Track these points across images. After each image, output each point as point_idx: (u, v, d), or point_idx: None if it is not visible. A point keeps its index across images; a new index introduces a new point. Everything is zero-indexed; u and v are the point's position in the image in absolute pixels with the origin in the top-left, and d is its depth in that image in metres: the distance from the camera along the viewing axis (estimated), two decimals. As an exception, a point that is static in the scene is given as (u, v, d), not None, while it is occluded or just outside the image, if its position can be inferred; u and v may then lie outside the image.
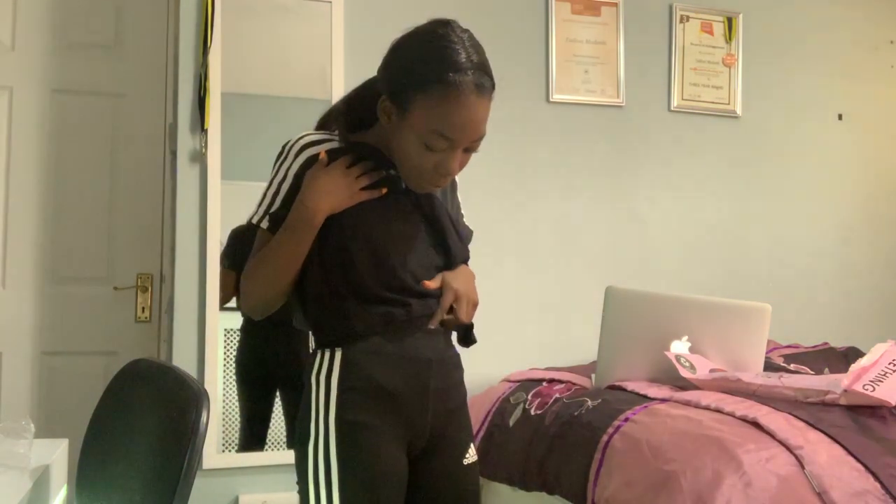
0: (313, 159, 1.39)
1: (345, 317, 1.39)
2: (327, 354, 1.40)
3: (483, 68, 1.34)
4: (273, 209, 1.41)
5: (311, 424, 1.38)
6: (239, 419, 2.62)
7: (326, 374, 1.39)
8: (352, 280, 1.39)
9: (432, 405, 1.42)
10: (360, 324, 1.38)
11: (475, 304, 1.50)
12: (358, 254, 1.38)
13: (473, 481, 1.51)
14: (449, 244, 1.48)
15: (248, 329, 2.65)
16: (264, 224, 1.42)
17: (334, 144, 1.43)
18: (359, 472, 1.35)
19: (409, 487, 1.42)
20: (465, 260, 1.53)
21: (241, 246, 2.62)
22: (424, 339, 1.43)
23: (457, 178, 1.53)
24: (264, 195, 1.43)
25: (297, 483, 1.44)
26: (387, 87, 1.37)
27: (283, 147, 1.44)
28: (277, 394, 2.70)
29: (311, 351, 1.45)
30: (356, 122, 1.45)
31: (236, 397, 2.62)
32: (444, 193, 1.51)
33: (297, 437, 1.42)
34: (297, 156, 1.41)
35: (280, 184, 1.41)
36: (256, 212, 1.44)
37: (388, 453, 1.37)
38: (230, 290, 2.62)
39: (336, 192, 1.38)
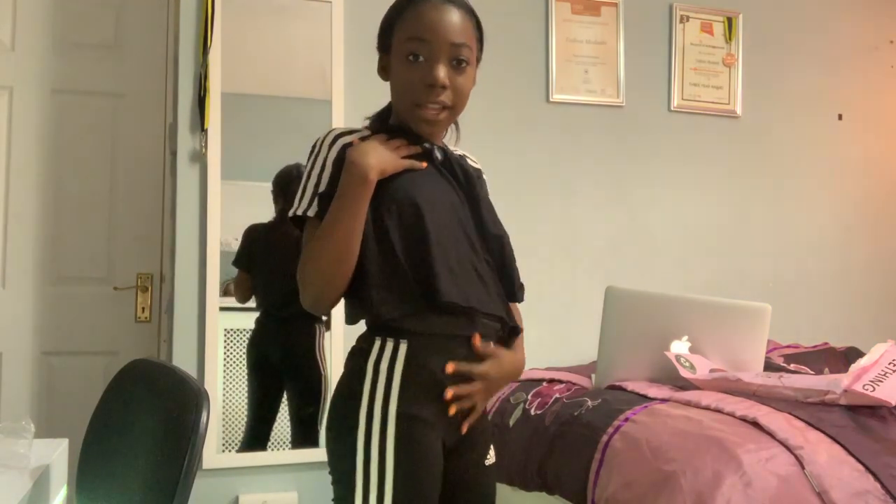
0: (348, 146, 1.40)
1: (409, 307, 1.36)
2: (389, 344, 1.36)
3: None
4: (317, 194, 1.39)
5: (362, 413, 1.33)
6: (239, 419, 2.62)
7: (389, 364, 1.35)
8: (418, 252, 1.36)
9: (468, 408, 1.43)
10: (419, 322, 1.36)
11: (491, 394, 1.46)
12: (419, 223, 1.36)
13: (492, 482, 1.52)
14: (483, 216, 1.46)
15: (261, 322, 2.67)
16: (311, 211, 1.38)
17: (365, 134, 1.45)
18: (413, 467, 1.33)
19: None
20: (502, 245, 1.50)
21: (251, 246, 2.64)
22: (470, 342, 1.41)
23: (483, 175, 1.56)
24: (303, 189, 1.41)
25: (333, 472, 1.37)
26: (377, 47, 1.47)
27: (315, 144, 1.44)
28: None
29: (363, 337, 1.41)
30: (383, 116, 1.51)
31: (237, 397, 2.62)
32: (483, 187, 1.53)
33: (337, 425, 1.37)
34: (331, 146, 1.42)
35: (319, 174, 1.40)
36: (298, 206, 1.40)
37: (436, 450, 1.37)
38: (245, 291, 2.64)
39: (382, 153, 1.38)
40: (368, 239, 1.36)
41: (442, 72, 1.38)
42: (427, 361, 1.35)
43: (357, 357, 1.39)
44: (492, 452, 1.51)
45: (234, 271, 2.65)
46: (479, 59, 1.48)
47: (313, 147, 1.44)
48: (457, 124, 1.54)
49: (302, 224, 1.42)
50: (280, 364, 2.70)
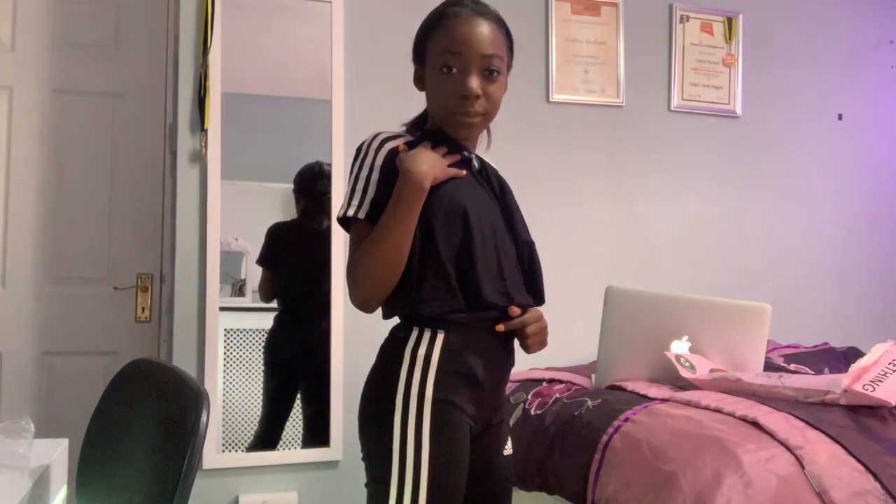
0: (395, 151, 1.47)
1: (450, 298, 1.44)
2: (427, 333, 1.44)
3: (482, 5, 1.51)
4: (369, 198, 1.46)
5: (399, 397, 1.41)
6: (239, 419, 2.62)
7: (426, 352, 1.43)
8: (462, 248, 1.45)
9: (493, 397, 1.51)
10: (458, 313, 1.45)
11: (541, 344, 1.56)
12: (461, 223, 1.45)
13: (510, 473, 1.61)
14: (516, 223, 1.56)
15: (280, 319, 2.68)
16: (362, 214, 1.45)
17: (409, 138, 1.52)
18: (448, 448, 1.41)
19: None
20: (530, 246, 1.59)
21: (274, 245, 2.66)
22: (506, 336, 1.51)
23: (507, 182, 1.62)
24: (352, 192, 1.47)
25: (369, 454, 1.44)
26: (413, 60, 1.54)
27: (360, 147, 1.50)
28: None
29: (398, 327, 1.49)
30: (419, 123, 1.59)
31: (237, 397, 2.62)
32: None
33: (371, 408, 1.45)
34: (377, 150, 1.48)
35: (367, 177, 1.47)
36: (348, 206, 1.46)
37: (467, 436, 1.45)
38: (269, 290, 2.65)
39: (434, 161, 1.45)
40: (415, 241, 1.43)
41: (475, 83, 1.45)
42: (462, 351, 1.44)
43: (393, 345, 1.46)
44: (509, 444, 1.60)
45: (235, 271, 2.65)
46: (510, 67, 1.58)
47: (359, 150, 1.50)
48: (489, 130, 1.61)
49: (348, 225, 1.49)
50: (296, 361, 2.72)
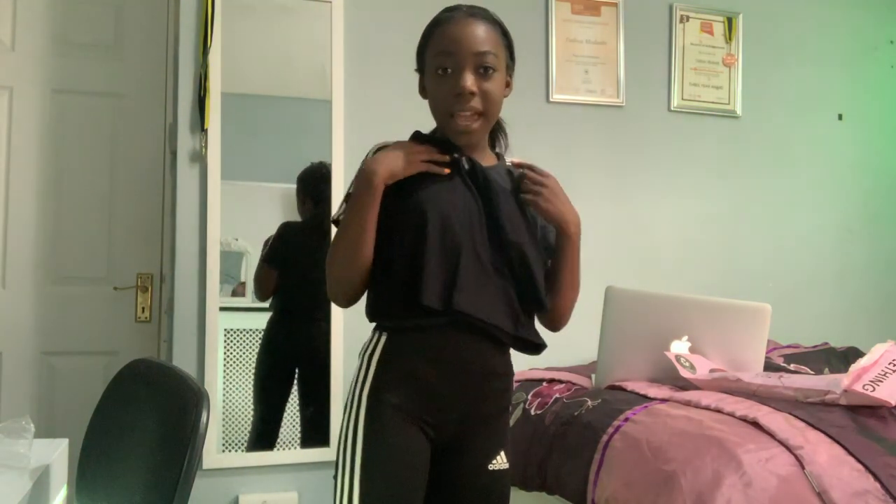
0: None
1: (395, 302, 1.45)
2: (376, 335, 1.49)
3: (477, 8, 1.51)
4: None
5: (350, 397, 1.48)
6: (239, 419, 2.62)
7: (370, 353, 1.47)
8: (414, 252, 1.43)
9: (462, 407, 1.47)
10: (399, 319, 1.45)
11: (563, 199, 1.53)
12: (424, 225, 1.44)
13: (499, 487, 1.53)
14: (502, 225, 1.49)
15: (272, 322, 2.68)
16: (341, 216, 1.50)
17: (402, 142, 1.53)
18: (380, 447, 1.42)
19: (432, 485, 1.46)
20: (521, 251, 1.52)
21: (285, 244, 2.67)
22: (469, 344, 1.46)
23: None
24: (345, 196, 1.51)
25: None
26: (416, 69, 1.56)
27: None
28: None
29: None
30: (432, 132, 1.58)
31: (237, 397, 2.62)
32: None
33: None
34: (370, 155, 1.51)
35: (353, 181, 1.49)
36: (337, 211, 1.53)
37: (410, 435, 1.43)
38: (270, 288, 2.66)
39: (394, 157, 1.45)
40: (378, 242, 1.45)
41: (468, 80, 1.45)
42: (404, 354, 1.45)
43: (361, 349, 1.52)
44: (502, 457, 1.52)
45: (235, 271, 2.65)
46: (510, 67, 1.58)
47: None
48: (505, 135, 1.66)
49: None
50: (294, 362, 2.71)
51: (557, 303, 1.56)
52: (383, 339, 1.47)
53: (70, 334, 2.74)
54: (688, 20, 3.23)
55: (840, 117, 3.47)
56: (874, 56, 3.54)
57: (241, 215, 2.63)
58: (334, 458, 1.50)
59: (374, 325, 1.52)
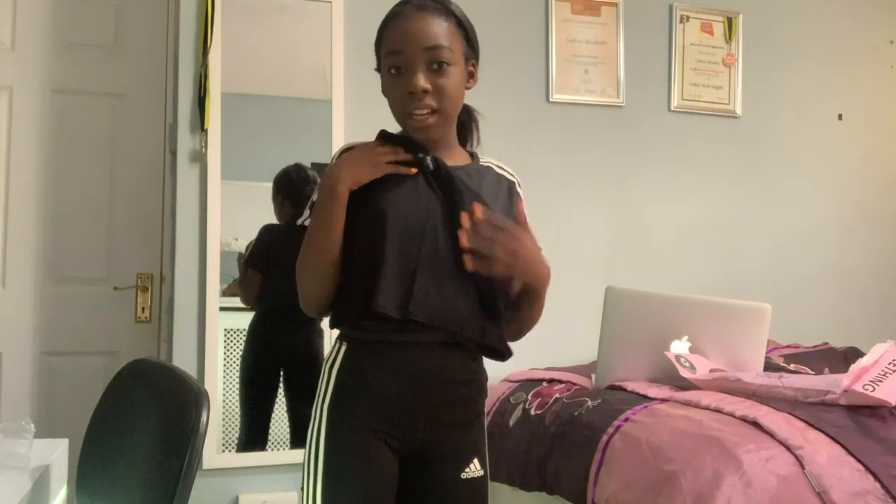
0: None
1: (354, 309, 1.40)
2: (337, 345, 1.45)
3: (429, 1, 1.43)
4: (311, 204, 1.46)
5: (314, 408, 1.44)
6: (239, 419, 2.62)
7: (331, 364, 1.44)
8: (374, 256, 1.38)
9: (426, 416, 1.41)
10: (357, 328, 1.42)
11: (525, 261, 1.37)
12: (383, 227, 1.38)
13: (474, 496, 1.47)
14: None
15: (256, 324, 2.66)
16: (308, 222, 1.45)
17: (368, 143, 1.47)
18: (339, 457, 1.39)
19: (404, 498, 1.43)
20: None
21: (268, 246, 2.65)
22: (429, 351, 1.41)
23: (518, 187, 1.56)
24: (311, 202, 1.47)
25: None
26: (375, 68, 1.50)
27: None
28: (278, 395, 2.71)
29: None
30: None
31: (237, 397, 2.62)
32: (502, 202, 1.48)
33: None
34: (334, 159, 1.46)
35: (317, 188, 1.45)
36: (304, 215, 1.48)
37: (371, 447, 1.39)
38: (255, 292, 2.64)
39: (358, 163, 1.41)
40: (343, 247, 1.41)
41: (419, 79, 1.38)
42: (361, 363, 1.41)
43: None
44: (475, 465, 1.46)
45: (235, 271, 2.65)
46: (471, 58, 1.47)
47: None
48: (477, 128, 1.57)
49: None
50: (283, 365, 2.70)
51: (512, 328, 1.51)
52: (343, 349, 1.43)
53: (70, 334, 2.74)
54: (688, 20, 3.23)
55: (840, 117, 3.47)
56: (874, 56, 3.54)
57: (241, 215, 2.63)
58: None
59: (336, 333, 1.47)
